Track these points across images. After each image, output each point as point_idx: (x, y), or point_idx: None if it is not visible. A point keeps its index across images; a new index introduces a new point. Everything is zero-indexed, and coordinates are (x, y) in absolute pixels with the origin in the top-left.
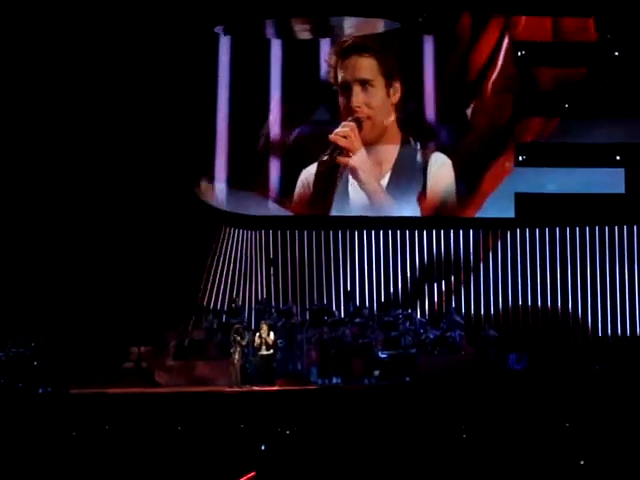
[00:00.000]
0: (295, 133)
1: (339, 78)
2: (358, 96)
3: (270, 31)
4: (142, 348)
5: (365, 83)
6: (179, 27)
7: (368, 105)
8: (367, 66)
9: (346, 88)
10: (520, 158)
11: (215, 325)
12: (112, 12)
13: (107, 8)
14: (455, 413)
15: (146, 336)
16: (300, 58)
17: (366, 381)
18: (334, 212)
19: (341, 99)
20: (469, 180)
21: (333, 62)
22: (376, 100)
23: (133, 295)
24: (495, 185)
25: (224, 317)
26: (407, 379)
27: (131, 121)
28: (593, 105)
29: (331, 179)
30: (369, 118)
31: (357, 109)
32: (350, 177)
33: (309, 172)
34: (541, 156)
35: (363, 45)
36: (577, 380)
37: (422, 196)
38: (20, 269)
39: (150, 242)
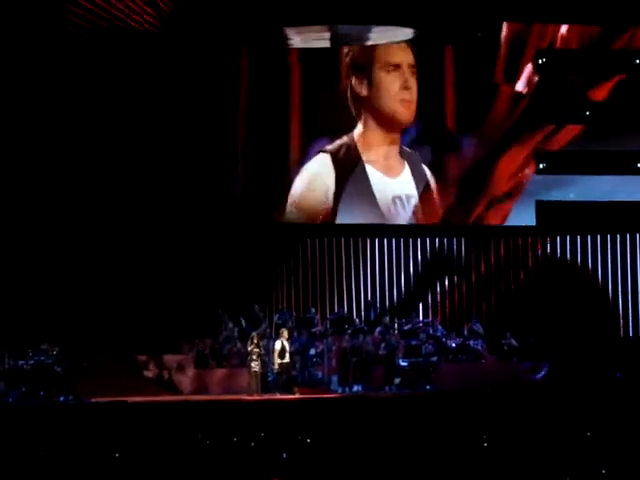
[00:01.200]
0: (316, 143)
1: (391, 57)
2: (410, 79)
3: (291, 40)
4: (163, 356)
5: (413, 68)
6: (202, 42)
7: (412, 91)
8: (411, 55)
9: (396, 68)
10: (541, 166)
11: (236, 333)
12: (135, 30)
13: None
14: (476, 421)
15: (167, 344)
16: (320, 68)
17: (387, 389)
18: (360, 218)
19: (382, 76)
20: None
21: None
22: (415, 90)
23: (152, 304)
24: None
25: (244, 325)
26: (428, 387)
27: (157, 132)
28: (615, 113)
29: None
30: (409, 103)
31: (407, 90)
32: (371, 178)
33: (311, 174)
34: (561, 164)
35: None
36: (598, 388)
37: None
38: (46, 278)
39: (169, 252)
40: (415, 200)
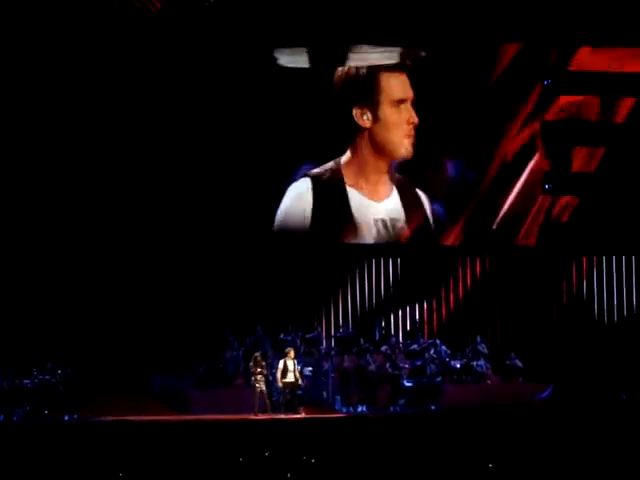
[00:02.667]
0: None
1: (397, 93)
2: (414, 114)
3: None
4: (169, 375)
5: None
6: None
7: (415, 125)
8: (412, 90)
9: (401, 102)
10: (546, 187)
11: (241, 353)
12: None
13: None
14: (481, 442)
15: (173, 364)
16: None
17: (392, 409)
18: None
19: (389, 111)
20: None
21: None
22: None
23: (159, 324)
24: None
25: (249, 345)
26: (433, 407)
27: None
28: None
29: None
30: (412, 137)
31: (412, 125)
32: (351, 200)
33: (292, 197)
34: (566, 185)
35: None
36: (602, 409)
37: (418, 221)
38: (51, 297)
39: (174, 270)
40: (401, 224)
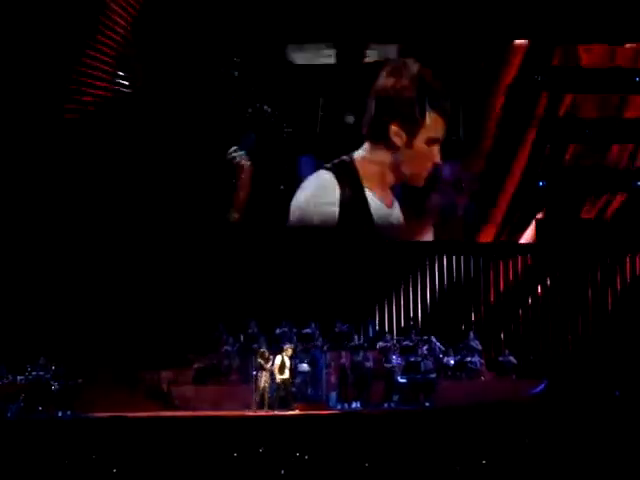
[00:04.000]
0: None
1: (435, 132)
2: (439, 154)
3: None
4: (163, 372)
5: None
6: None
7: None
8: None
9: (435, 142)
10: (540, 184)
11: (235, 349)
12: None
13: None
14: (475, 438)
15: (167, 359)
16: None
17: (386, 406)
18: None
19: (422, 145)
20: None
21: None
22: None
23: (153, 320)
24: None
25: (243, 341)
26: (427, 404)
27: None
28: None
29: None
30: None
31: (435, 164)
32: (371, 205)
33: (316, 191)
34: (561, 181)
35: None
36: (596, 405)
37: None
38: (44, 293)
39: (168, 265)
40: (404, 227)
